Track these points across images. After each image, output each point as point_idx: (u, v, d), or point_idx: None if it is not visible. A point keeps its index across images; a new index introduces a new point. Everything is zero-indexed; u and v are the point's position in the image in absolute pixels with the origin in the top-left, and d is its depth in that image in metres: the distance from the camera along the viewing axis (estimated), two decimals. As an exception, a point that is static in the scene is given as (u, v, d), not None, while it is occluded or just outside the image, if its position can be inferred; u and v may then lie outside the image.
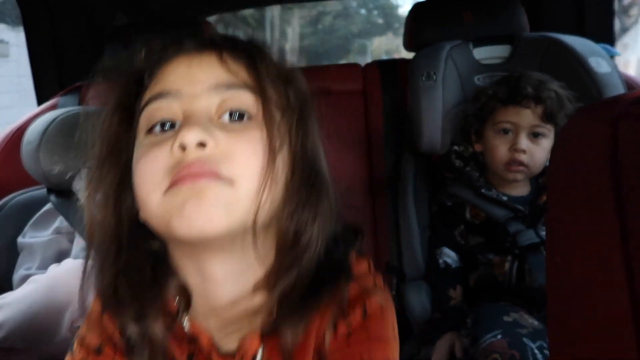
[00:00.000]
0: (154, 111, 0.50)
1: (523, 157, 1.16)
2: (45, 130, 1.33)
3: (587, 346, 0.40)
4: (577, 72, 1.30)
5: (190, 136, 0.46)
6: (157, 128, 0.50)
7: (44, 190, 1.38)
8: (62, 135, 1.34)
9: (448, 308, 1.20)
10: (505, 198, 1.20)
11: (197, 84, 0.50)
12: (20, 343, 1.00)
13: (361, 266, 0.57)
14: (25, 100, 1.88)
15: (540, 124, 1.16)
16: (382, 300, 0.54)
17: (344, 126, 1.64)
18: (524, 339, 0.95)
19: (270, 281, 0.51)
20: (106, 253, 0.52)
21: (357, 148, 1.61)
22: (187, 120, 0.48)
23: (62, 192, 1.35)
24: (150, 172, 0.48)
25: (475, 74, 1.43)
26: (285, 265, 0.50)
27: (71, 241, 1.31)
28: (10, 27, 6.11)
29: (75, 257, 1.18)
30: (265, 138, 0.49)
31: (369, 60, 1.87)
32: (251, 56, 0.52)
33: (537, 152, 1.17)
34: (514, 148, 1.17)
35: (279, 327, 0.49)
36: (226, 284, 0.51)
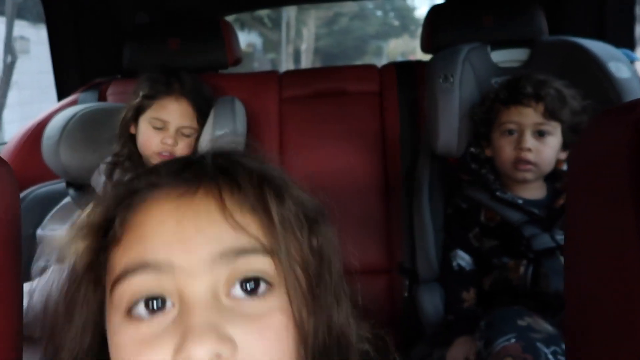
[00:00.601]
0: (134, 288, 0.38)
1: (529, 156, 1.16)
2: (65, 126, 1.36)
3: (605, 350, 0.40)
4: (596, 76, 1.29)
5: (201, 353, 0.34)
6: (141, 309, 0.38)
7: (63, 184, 1.41)
8: (81, 130, 1.37)
9: (461, 311, 1.19)
10: (520, 201, 1.19)
11: (194, 253, 0.37)
12: (38, 332, 1.01)
13: None
14: (44, 97, 1.91)
15: (544, 122, 1.16)
16: None
17: (359, 126, 1.64)
18: (538, 344, 0.94)
19: None
20: None
21: (373, 148, 1.62)
22: (188, 312, 0.36)
23: (81, 186, 1.38)
24: None
25: (493, 77, 1.42)
26: None
27: (89, 235, 1.33)
28: (31, 24, 6.21)
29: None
30: (290, 314, 0.39)
31: (384, 61, 1.88)
32: (263, 198, 0.40)
33: (544, 150, 1.16)
34: (519, 147, 1.17)
35: None
36: None
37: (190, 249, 0.37)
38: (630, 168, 0.33)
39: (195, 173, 0.41)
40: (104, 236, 0.41)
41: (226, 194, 0.39)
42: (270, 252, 0.39)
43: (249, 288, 0.38)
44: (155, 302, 0.37)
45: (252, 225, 0.39)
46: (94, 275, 0.41)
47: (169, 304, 0.38)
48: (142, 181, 0.41)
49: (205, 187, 0.40)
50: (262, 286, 0.38)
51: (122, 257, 0.39)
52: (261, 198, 0.40)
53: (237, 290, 0.38)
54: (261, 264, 0.39)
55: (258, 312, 0.38)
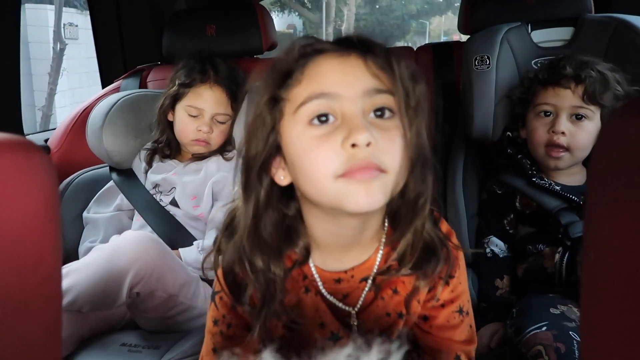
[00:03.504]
0: (315, 107, 0.61)
1: (562, 140, 1.12)
2: (107, 112, 1.41)
3: (619, 344, 0.40)
4: (644, 56, 1.23)
5: (362, 138, 0.58)
6: (316, 121, 0.61)
7: (106, 169, 1.47)
8: (122, 117, 1.42)
9: (495, 298, 1.18)
10: (558, 188, 1.16)
11: (352, 89, 0.61)
12: (86, 307, 1.08)
13: (444, 226, 0.73)
14: (93, 81, 1.99)
15: (582, 105, 1.12)
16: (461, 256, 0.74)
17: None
18: (571, 333, 0.92)
19: (389, 228, 0.69)
20: (247, 205, 0.66)
21: (407, 132, 1.60)
22: (350, 120, 0.60)
23: (123, 171, 1.44)
24: (325, 161, 0.59)
25: (534, 57, 1.37)
26: (405, 215, 0.65)
27: (131, 218, 1.39)
28: (79, 11, 6.42)
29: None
30: (402, 132, 0.61)
31: (427, 40, 1.84)
32: (389, 60, 0.62)
33: (579, 134, 1.12)
34: (553, 130, 1.13)
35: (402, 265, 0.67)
36: (351, 235, 0.67)
37: (350, 86, 0.61)
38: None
39: (347, 44, 0.63)
40: (285, 80, 0.63)
41: (370, 58, 0.61)
42: (392, 93, 0.61)
43: (379, 114, 0.61)
44: (327, 117, 0.61)
45: (382, 76, 0.62)
46: (272, 105, 0.63)
47: (332, 119, 0.61)
48: (313, 47, 0.63)
49: (355, 52, 0.62)
50: (387, 113, 0.62)
51: (304, 91, 0.61)
52: (388, 61, 0.61)
53: (372, 114, 0.61)
54: (387, 99, 0.61)
55: (385, 126, 0.61)
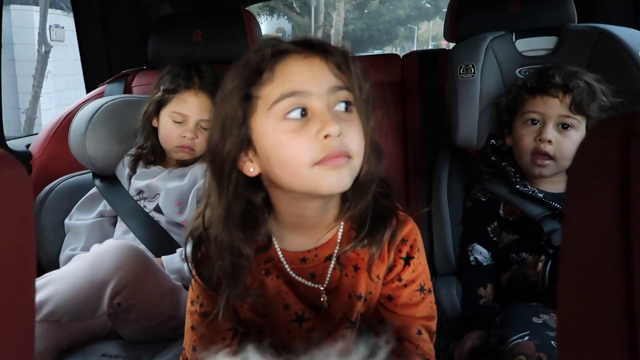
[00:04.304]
0: (289, 103, 0.68)
1: (549, 148, 1.13)
2: (91, 118, 1.40)
3: (594, 345, 0.40)
4: (627, 65, 1.24)
5: (335, 130, 0.66)
6: (295, 113, 0.68)
7: (89, 175, 1.45)
8: (106, 123, 1.41)
9: (478, 307, 1.18)
10: (541, 195, 1.17)
11: (319, 86, 0.69)
12: (66, 317, 1.06)
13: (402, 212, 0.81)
14: (79, 84, 1.97)
15: (569, 115, 1.13)
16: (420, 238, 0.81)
17: (380, 116, 1.62)
18: (553, 342, 0.93)
19: (345, 208, 0.76)
20: (219, 196, 0.72)
21: (393, 138, 1.60)
22: (320, 114, 0.68)
23: (107, 177, 1.42)
24: (302, 151, 0.67)
25: (518, 66, 1.39)
26: (357, 194, 0.73)
27: (113, 225, 1.38)
28: (66, 12, 6.36)
29: (116, 239, 1.25)
30: (361, 123, 0.71)
31: (415, 46, 1.85)
32: (346, 61, 0.70)
33: (565, 143, 1.13)
34: (539, 138, 1.14)
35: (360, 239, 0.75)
36: (315, 216, 0.75)
37: (317, 84, 0.68)
38: (619, 182, 0.33)
39: (309, 47, 0.70)
40: (255, 78, 0.69)
41: (329, 58, 0.69)
42: (351, 89, 0.70)
43: (343, 108, 0.70)
44: (299, 110, 0.68)
45: (340, 75, 0.70)
46: (243, 102, 0.69)
47: (301, 114, 0.68)
48: (278, 48, 0.69)
49: (317, 54, 0.69)
50: (348, 108, 0.70)
51: (276, 89, 0.68)
52: (345, 61, 0.70)
53: (338, 107, 0.70)
54: (347, 95, 0.70)
55: (347, 118, 0.70)
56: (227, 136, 0.70)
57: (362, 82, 0.72)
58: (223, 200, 0.72)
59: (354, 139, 0.69)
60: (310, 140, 0.67)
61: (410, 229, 0.80)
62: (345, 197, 0.76)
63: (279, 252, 0.78)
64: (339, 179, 0.68)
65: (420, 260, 0.80)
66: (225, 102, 0.70)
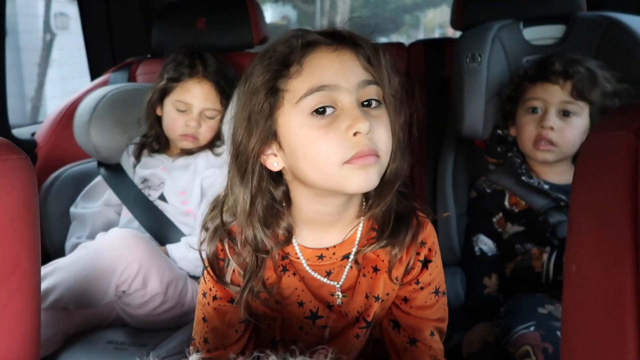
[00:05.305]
0: (318, 98, 0.66)
1: (551, 135, 1.13)
2: (95, 107, 1.40)
3: (595, 339, 0.40)
4: (636, 54, 1.23)
5: (364, 127, 0.64)
6: (324, 110, 0.66)
7: (94, 163, 1.46)
8: (110, 111, 1.40)
9: (482, 297, 1.18)
10: (547, 187, 1.16)
11: (349, 81, 0.66)
12: (72, 304, 1.07)
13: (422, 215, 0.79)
14: (84, 72, 1.96)
15: (570, 101, 1.12)
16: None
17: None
18: (558, 333, 0.93)
19: (367, 206, 0.75)
20: (243, 190, 0.71)
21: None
22: (349, 111, 0.66)
23: (112, 165, 1.42)
24: (331, 149, 0.65)
25: (525, 55, 1.37)
26: (381, 192, 0.72)
27: (118, 213, 1.38)
28: (70, 0, 6.33)
29: (121, 228, 1.25)
30: (388, 120, 0.69)
31: (421, 34, 1.83)
32: (376, 54, 0.68)
33: (568, 130, 1.13)
34: (541, 125, 1.13)
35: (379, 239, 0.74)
36: (336, 212, 0.73)
37: (347, 78, 0.66)
38: (631, 174, 0.32)
39: (339, 38, 0.68)
40: (282, 70, 0.67)
41: (360, 53, 0.67)
42: (381, 84, 0.68)
43: (367, 103, 0.68)
44: (326, 108, 0.66)
45: (370, 68, 0.68)
46: (270, 95, 0.67)
47: (330, 110, 0.66)
48: (307, 39, 0.67)
49: (347, 46, 0.67)
50: (374, 103, 0.68)
51: (305, 83, 0.66)
52: (375, 54, 0.68)
53: (366, 104, 0.68)
54: (377, 91, 0.68)
55: (376, 114, 0.67)
56: (252, 131, 0.68)
57: (392, 76, 0.69)
58: (247, 194, 0.71)
59: (382, 137, 0.67)
60: (339, 137, 0.65)
61: (429, 232, 0.78)
62: (367, 195, 0.74)
63: (297, 248, 0.76)
64: (367, 179, 0.66)
65: (437, 263, 0.79)
66: (251, 97, 0.68)
